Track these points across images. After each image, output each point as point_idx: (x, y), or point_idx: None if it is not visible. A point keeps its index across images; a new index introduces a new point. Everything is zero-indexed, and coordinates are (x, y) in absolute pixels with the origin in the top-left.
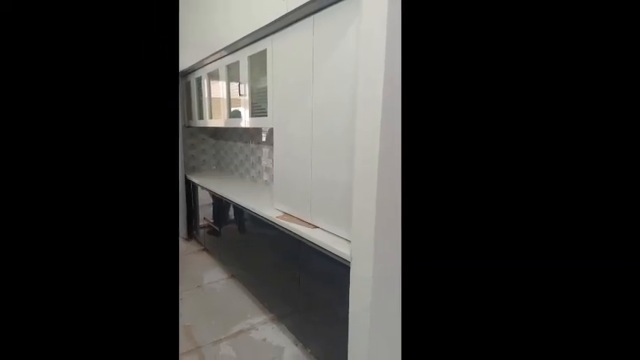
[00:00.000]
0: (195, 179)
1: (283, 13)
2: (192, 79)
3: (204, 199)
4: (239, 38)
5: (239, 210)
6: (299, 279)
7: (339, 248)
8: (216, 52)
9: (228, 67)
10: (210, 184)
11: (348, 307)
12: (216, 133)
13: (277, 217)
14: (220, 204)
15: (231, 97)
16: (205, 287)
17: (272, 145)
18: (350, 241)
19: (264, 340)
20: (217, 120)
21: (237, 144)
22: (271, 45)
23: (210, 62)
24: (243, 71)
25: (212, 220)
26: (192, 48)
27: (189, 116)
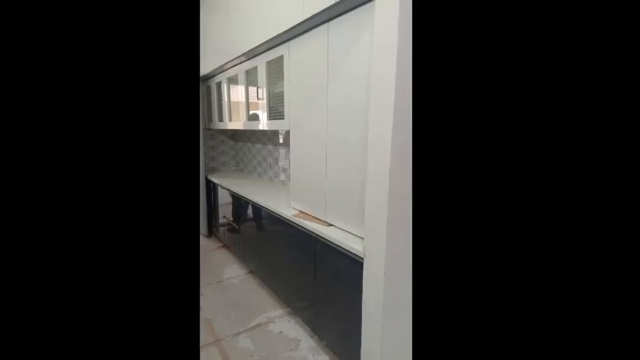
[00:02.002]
0: (215, 179)
1: (299, 21)
2: (213, 83)
3: (223, 198)
4: (257, 45)
5: (257, 209)
6: (314, 274)
7: (352, 245)
8: (236, 58)
9: (247, 72)
10: (230, 183)
11: (361, 302)
12: (236, 135)
13: (294, 215)
14: (239, 203)
15: (250, 101)
16: (225, 282)
17: (289, 146)
18: (363, 239)
19: (281, 332)
20: (236, 122)
21: (256, 145)
22: (288, 51)
23: (230, 67)
24: (261, 76)
25: (231, 218)
26: (212, 54)
27: (210, 119)
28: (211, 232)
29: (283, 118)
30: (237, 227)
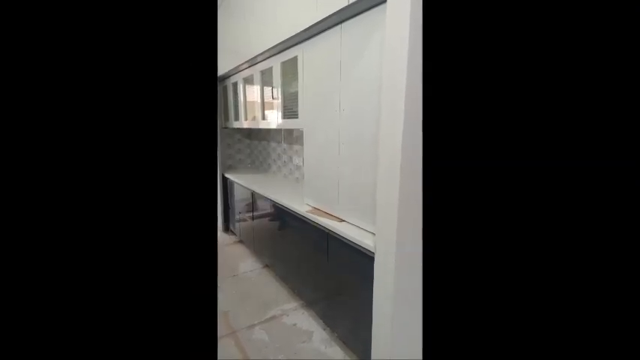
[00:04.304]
0: (231, 176)
1: (313, 22)
2: (229, 83)
3: (239, 195)
4: (272, 46)
5: (272, 205)
6: (327, 269)
7: (364, 240)
8: (251, 59)
9: (262, 72)
10: (246, 180)
11: (372, 295)
12: (251, 133)
13: (307, 211)
14: (254, 199)
15: (265, 101)
16: (241, 276)
17: (302, 144)
18: (374, 234)
19: (295, 325)
20: (252, 121)
21: (271, 144)
22: (302, 52)
23: (246, 68)
24: (276, 76)
25: (247, 214)
26: (229, 55)
27: (226, 118)
28: (228, 228)
29: (297, 117)
30: (253, 223)
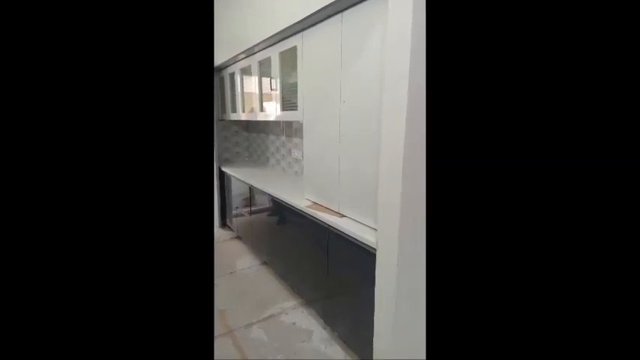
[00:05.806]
0: (228, 170)
1: (313, 11)
2: (226, 74)
3: (237, 189)
4: (270, 35)
5: (270, 199)
6: (327, 265)
7: (365, 236)
8: (249, 49)
9: (260, 62)
10: (243, 174)
11: (373, 292)
12: (249, 126)
13: (307, 206)
14: (252, 194)
15: (263, 92)
16: (238, 273)
17: (302, 137)
18: (376, 230)
19: (294, 323)
20: (250, 113)
21: (269, 136)
22: (301, 41)
23: (243, 58)
24: (275, 67)
25: (244, 209)
26: (226, 45)
27: (223, 110)
28: (224, 223)
29: (297, 109)
30: (251, 218)
